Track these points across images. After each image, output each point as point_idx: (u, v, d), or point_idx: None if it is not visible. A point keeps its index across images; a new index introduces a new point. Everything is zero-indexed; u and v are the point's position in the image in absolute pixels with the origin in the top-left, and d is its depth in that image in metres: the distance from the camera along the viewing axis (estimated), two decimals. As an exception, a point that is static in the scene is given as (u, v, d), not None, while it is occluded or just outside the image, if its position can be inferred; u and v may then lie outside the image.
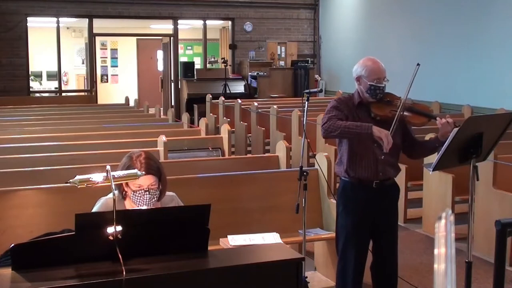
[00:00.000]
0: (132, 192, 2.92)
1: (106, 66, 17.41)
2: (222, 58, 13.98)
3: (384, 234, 3.66)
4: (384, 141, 3.31)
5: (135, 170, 2.72)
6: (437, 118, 3.43)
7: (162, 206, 3.10)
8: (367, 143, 3.51)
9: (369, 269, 3.75)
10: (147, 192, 2.93)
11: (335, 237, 3.78)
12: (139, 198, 2.91)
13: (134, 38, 16.92)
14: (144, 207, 2.92)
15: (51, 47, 13.81)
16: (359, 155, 3.52)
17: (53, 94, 14.65)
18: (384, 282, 3.70)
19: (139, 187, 2.94)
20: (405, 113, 3.50)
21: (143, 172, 2.77)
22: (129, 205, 3.02)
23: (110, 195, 2.95)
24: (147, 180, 2.91)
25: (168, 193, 3.18)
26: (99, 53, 15.88)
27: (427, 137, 4.89)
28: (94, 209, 3.03)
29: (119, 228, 2.27)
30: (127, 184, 2.98)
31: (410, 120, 3.53)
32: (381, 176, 3.54)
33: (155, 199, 2.98)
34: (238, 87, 13.43)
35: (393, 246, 3.69)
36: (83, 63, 15.85)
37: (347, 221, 3.61)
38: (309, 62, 14.07)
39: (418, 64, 3.44)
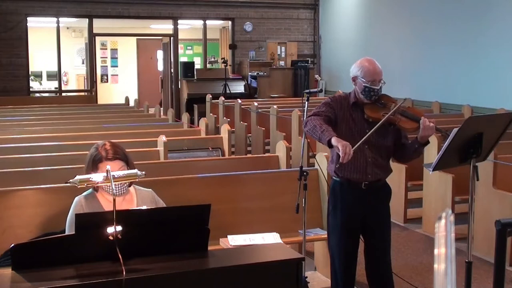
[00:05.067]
0: None
1: (106, 66, 17.42)
2: (222, 58, 13.97)
3: (375, 234, 3.63)
4: (341, 152, 3.22)
5: (135, 170, 2.71)
6: (422, 119, 3.37)
7: (138, 200, 3.08)
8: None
9: (365, 269, 3.74)
10: None
11: (327, 236, 3.78)
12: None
13: (134, 38, 16.92)
14: (116, 193, 2.91)
15: (51, 47, 13.81)
16: None
17: (53, 94, 14.65)
18: (379, 282, 3.69)
19: None
20: (398, 117, 3.45)
21: (112, 158, 2.96)
22: (101, 196, 3.04)
23: (83, 193, 3.04)
24: (115, 165, 2.95)
25: (144, 189, 3.17)
26: (99, 53, 15.88)
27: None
28: (71, 211, 3.03)
29: (119, 228, 2.27)
30: None
31: (401, 124, 3.46)
32: (370, 177, 3.51)
33: (126, 184, 3.00)
34: (238, 87, 13.42)
35: (385, 245, 3.66)
36: (83, 63, 15.85)
37: (336, 221, 3.62)
38: (309, 62, 14.06)
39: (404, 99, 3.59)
